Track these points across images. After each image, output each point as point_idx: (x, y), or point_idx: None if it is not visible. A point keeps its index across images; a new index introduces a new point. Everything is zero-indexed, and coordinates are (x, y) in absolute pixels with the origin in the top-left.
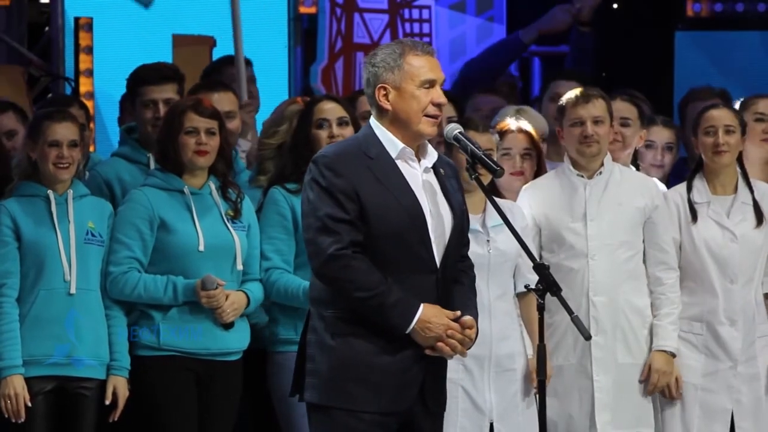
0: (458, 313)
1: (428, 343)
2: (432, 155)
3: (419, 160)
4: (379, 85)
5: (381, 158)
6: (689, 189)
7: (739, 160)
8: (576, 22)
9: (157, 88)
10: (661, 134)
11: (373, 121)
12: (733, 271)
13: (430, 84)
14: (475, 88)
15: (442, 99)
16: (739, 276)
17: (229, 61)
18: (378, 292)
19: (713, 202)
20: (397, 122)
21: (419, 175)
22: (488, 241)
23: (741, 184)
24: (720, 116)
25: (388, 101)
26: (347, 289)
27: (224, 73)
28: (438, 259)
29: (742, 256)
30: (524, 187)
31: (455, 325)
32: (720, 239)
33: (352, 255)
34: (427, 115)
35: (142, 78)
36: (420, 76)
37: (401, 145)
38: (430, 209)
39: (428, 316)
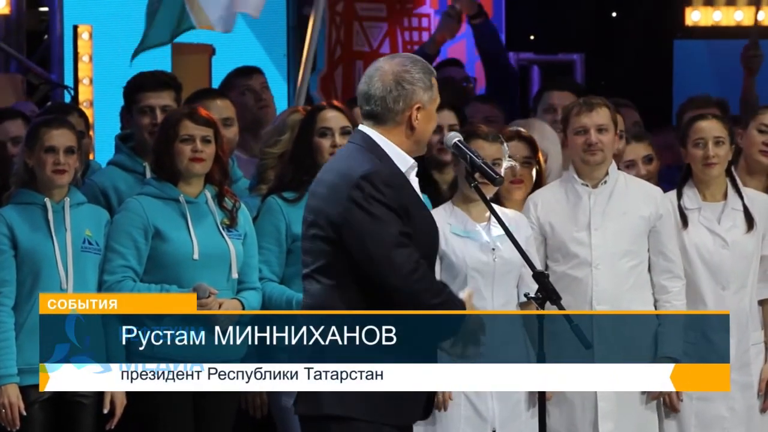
0: (471, 291)
1: None
2: (415, 168)
3: None
4: (417, 105)
5: (401, 175)
6: (679, 196)
7: (728, 168)
8: (468, 19)
9: (154, 95)
10: (637, 150)
11: (374, 134)
12: (725, 277)
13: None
14: None
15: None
16: (730, 282)
17: (240, 73)
18: (446, 297)
19: (704, 208)
20: (414, 140)
21: (418, 189)
22: (493, 249)
23: (731, 191)
24: (709, 128)
25: (417, 120)
26: (425, 298)
27: (237, 85)
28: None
29: (733, 262)
30: (530, 195)
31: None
32: (711, 245)
33: (425, 265)
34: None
35: (139, 84)
36: (438, 98)
37: (411, 160)
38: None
39: (468, 307)
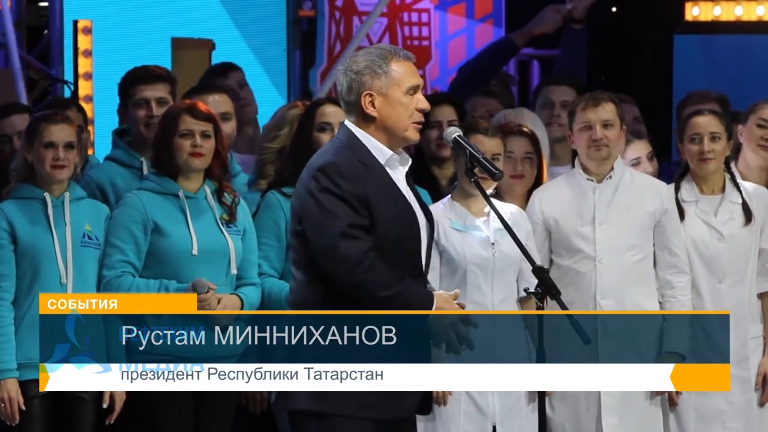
0: (458, 291)
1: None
2: (408, 161)
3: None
4: (365, 92)
5: (375, 166)
6: (677, 189)
7: (726, 163)
8: (568, 20)
9: (148, 87)
10: (642, 147)
11: (353, 128)
12: (722, 270)
13: (414, 90)
14: (470, 91)
15: (426, 105)
16: (727, 275)
17: (216, 72)
18: (400, 288)
19: (701, 201)
20: (383, 129)
21: (403, 181)
22: (492, 244)
23: (729, 184)
24: (705, 123)
25: (375, 108)
26: (372, 290)
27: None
28: (423, 264)
29: (730, 255)
30: (535, 190)
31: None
32: (707, 238)
33: (373, 257)
34: (413, 122)
35: (134, 78)
36: (406, 82)
37: (389, 152)
38: (418, 216)
39: (440, 303)
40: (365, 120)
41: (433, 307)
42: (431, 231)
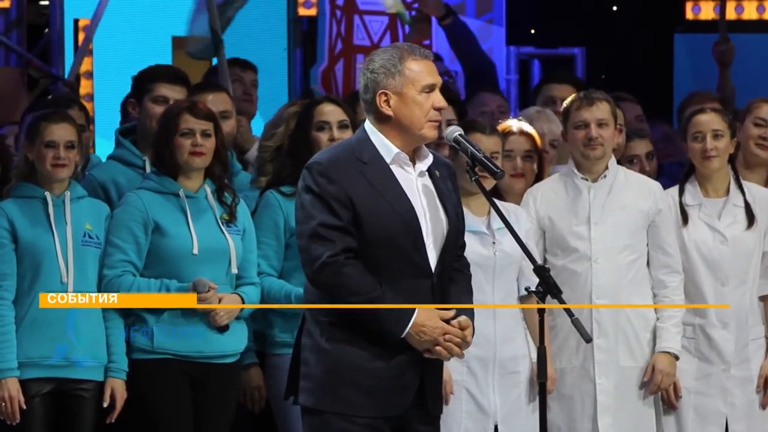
0: (453, 313)
1: (424, 346)
2: (427, 159)
3: (414, 164)
4: (380, 91)
5: (374, 163)
6: (681, 192)
7: (731, 162)
8: (438, 21)
9: (170, 87)
10: (640, 146)
11: (367, 126)
12: (724, 273)
13: (431, 88)
14: None
15: (443, 103)
16: (730, 278)
17: (236, 62)
18: (371, 297)
19: (704, 205)
20: (398, 127)
21: (414, 179)
22: (494, 243)
23: (733, 186)
24: (708, 121)
25: (390, 107)
26: (341, 294)
27: (229, 73)
28: (433, 264)
29: (733, 258)
30: (529, 189)
31: (451, 328)
32: (710, 241)
33: (344, 261)
34: (429, 120)
35: (155, 75)
36: (421, 81)
37: (395, 150)
38: (425, 214)
39: (422, 319)
40: (381, 119)
41: (410, 323)
42: (452, 229)
